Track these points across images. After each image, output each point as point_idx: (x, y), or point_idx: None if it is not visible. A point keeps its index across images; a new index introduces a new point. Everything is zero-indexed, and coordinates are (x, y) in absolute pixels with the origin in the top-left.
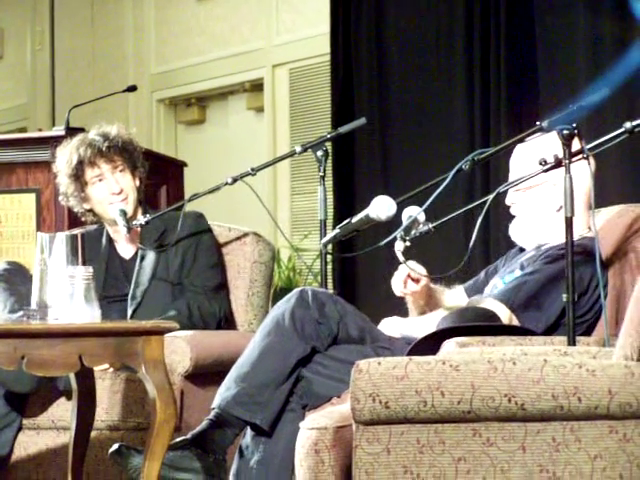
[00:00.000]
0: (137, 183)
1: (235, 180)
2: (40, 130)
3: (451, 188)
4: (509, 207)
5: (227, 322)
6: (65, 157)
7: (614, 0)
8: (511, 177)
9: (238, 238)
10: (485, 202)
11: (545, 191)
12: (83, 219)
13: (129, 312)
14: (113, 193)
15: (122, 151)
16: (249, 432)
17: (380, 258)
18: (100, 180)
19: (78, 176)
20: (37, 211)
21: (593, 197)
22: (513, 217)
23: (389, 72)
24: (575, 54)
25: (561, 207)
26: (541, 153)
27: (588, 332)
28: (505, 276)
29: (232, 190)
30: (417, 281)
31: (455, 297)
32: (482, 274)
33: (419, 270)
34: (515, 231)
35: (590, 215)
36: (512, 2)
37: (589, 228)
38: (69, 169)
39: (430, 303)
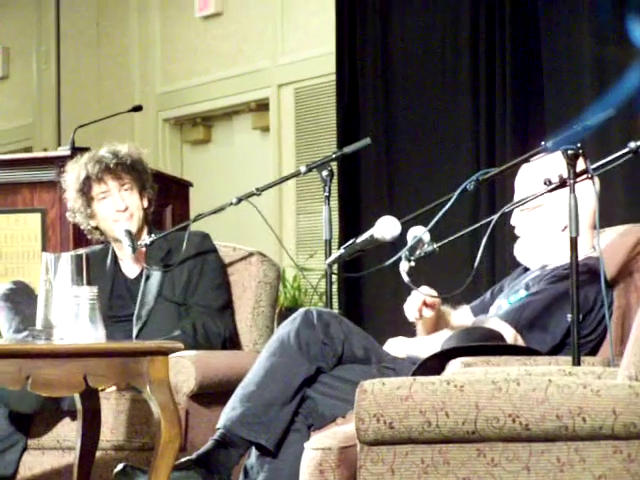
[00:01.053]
0: (145, 204)
1: (240, 200)
2: (45, 150)
3: (456, 208)
4: (514, 227)
5: (232, 342)
6: (74, 172)
7: (618, 21)
8: (516, 197)
9: (243, 258)
10: (490, 222)
11: (550, 211)
12: (89, 237)
13: (134, 332)
14: (118, 210)
15: (130, 170)
16: (254, 452)
17: (385, 278)
18: (106, 197)
19: (85, 192)
20: (42, 231)
21: (597, 217)
22: (518, 237)
23: (394, 92)
24: (581, 74)
25: (566, 227)
26: (546, 173)
27: (593, 352)
28: (510, 296)
29: (237, 210)
30: (432, 307)
31: (461, 317)
32: (488, 294)
33: (432, 294)
34: (520, 251)
35: (595, 235)
36: (517, 23)
37: (594, 248)
38: (77, 184)
39: (439, 324)
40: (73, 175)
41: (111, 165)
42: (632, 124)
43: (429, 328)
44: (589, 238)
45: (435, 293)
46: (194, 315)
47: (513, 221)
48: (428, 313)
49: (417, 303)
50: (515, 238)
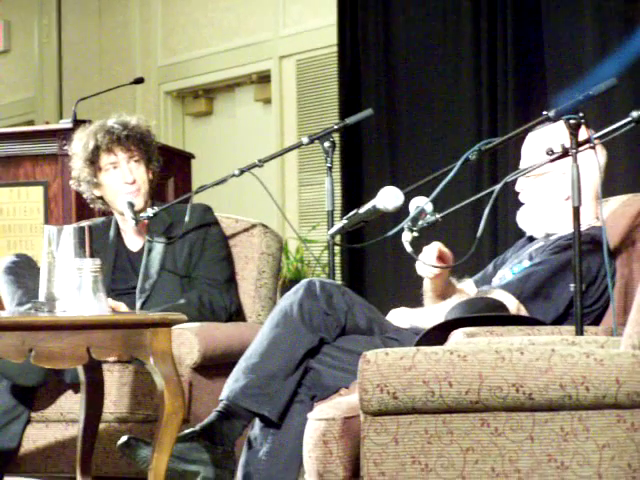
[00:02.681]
0: (150, 177)
1: (242, 172)
2: (47, 123)
3: (458, 178)
4: (518, 193)
5: (237, 315)
6: (82, 141)
7: None
8: (522, 164)
9: (245, 230)
10: (493, 192)
11: (554, 179)
12: (92, 206)
13: (138, 305)
14: (126, 182)
15: (139, 142)
16: (257, 423)
17: (388, 249)
18: (114, 167)
19: (93, 161)
20: (45, 204)
21: (600, 187)
22: (522, 204)
23: (396, 63)
24: (582, 42)
25: (569, 196)
26: (553, 141)
27: (597, 322)
28: (513, 267)
29: (239, 182)
30: (446, 259)
31: (465, 289)
32: (490, 266)
33: (444, 250)
34: (523, 218)
35: (599, 205)
36: None
37: (597, 218)
38: (85, 153)
39: (447, 292)
40: (81, 144)
41: (121, 136)
42: (636, 92)
43: (440, 289)
44: (592, 208)
45: (444, 247)
46: (202, 287)
47: (518, 187)
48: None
49: (434, 251)
50: (519, 205)
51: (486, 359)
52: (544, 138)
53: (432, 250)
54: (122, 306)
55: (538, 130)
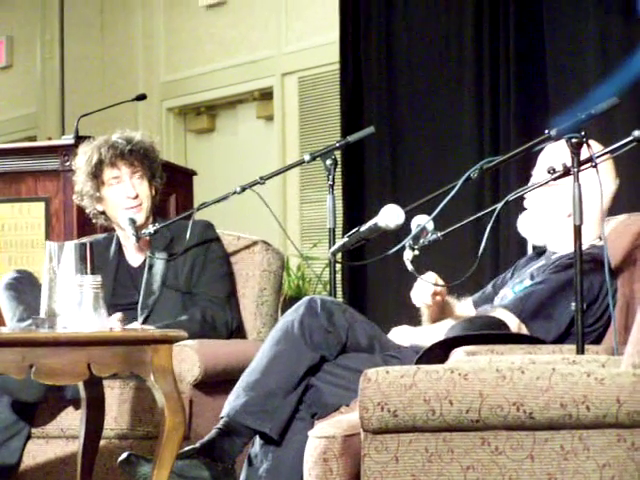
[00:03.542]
0: (153, 193)
1: (244, 189)
2: (49, 139)
3: (460, 196)
4: (520, 210)
5: (237, 331)
6: (86, 155)
7: (623, 6)
8: (535, 173)
9: (247, 247)
10: (494, 210)
11: (561, 193)
12: (94, 221)
13: (140, 321)
14: (128, 197)
15: (143, 157)
16: (258, 441)
17: (389, 267)
18: (117, 182)
19: (96, 175)
20: (46, 220)
21: (603, 205)
22: (524, 210)
23: (398, 81)
24: (585, 61)
25: (571, 214)
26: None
27: (598, 341)
28: (515, 286)
29: (241, 199)
30: (440, 295)
31: (465, 308)
32: (489, 286)
33: (439, 282)
34: (524, 224)
35: (601, 224)
36: (521, 10)
37: (599, 238)
38: (88, 167)
39: (444, 313)
40: (85, 158)
41: (125, 151)
42: (638, 111)
43: (435, 315)
44: (595, 227)
45: (439, 279)
46: (204, 304)
47: (533, 179)
48: (437, 298)
49: (429, 291)
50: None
51: (487, 378)
52: (561, 151)
53: (425, 289)
54: (117, 315)
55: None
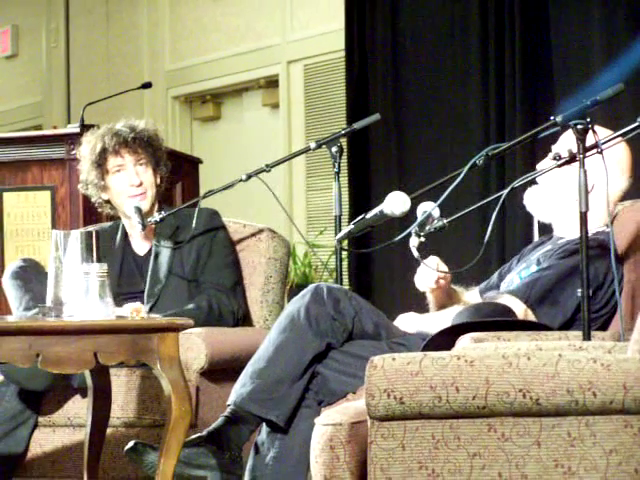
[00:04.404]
0: (158, 181)
1: (250, 177)
2: (55, 128)
3: (466, 183)
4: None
5: (243, 320)
6: (90, 144)
7: None
8: (554, 149)
9: (253, 234)
10: (500, 197)
11: (569, 178)
12: (100, 210)
13: (146, 309)
14: (132, 185)
15: (147, 145)
16: (265, 428)
17: (395, 254)
18: (120, 170)
19: (100, 164)
20: (52, 208)
21: (609, 192)
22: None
23: (404, 68)
24: (590, 48)
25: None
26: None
27: (604, 327)
28: (521, 271)
29: (247, 187)
30: (445, 278)
31: (472, 296)
32: (495, 275)
33: (441, 267)
34: (530, 197)
35: (608, 210)
36: None
37: (606, 225)
38: (92, 155)
39: (450, 301)
40: (89, 147)
41: (128, 139)
42: None
43: (440, 300)
44: (602, 213)
45: (442, 263)
46: (210, 292)
47: (539, 166)
48: (441, 282)
49: (432, 275)
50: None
51: (493, 364)
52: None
53: (430, 274)
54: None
55: None
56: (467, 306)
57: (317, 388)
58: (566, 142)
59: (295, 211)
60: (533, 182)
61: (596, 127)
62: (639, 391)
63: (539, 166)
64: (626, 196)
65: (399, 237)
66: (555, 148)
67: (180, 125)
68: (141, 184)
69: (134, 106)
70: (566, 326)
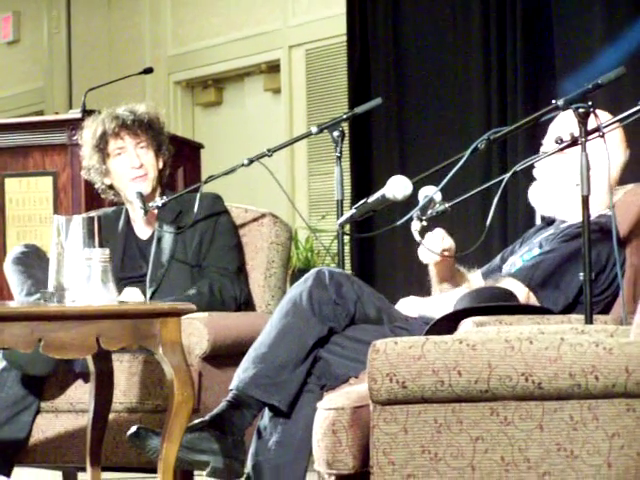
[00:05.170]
0: (160, 165)
1: (251, 161)
2: (57, 113)
3: (468, 167)
4: (528, 181)
5: (246, 304)
6: (91, 129)
7: None
8: (544, 142)
9: (255, 219)
10: (502, 181)
11: (570, 162)
12: (103, 196)
13: (148, 294)
14: (133, 167)
15: (147, 128)
16: (267, 413)
17: (397, 238)
18: (121, 153)
19: (101, 148)
20: (54, 194)
21: (611, 175)
22: (534, 181)
23: (405, 52)
24: (592, 31)
25: (579, 184)
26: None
27: (606, 310)
28: (524, 255)
29: (249, 171)
30: (449, 250)
31: (475, 279)
32: (497, 258)
33: (447, 239)
34: (535, 194)
35: (609, 194)
36: None
37: (608, 209)
38: (93, 140)
39: (453, 282)
40: (90, 131)
41: (128, 122)
42: None
43: (443, 275)
44: (604, 197)
45: (447, 235)
46: (213, 277)
47: (542, 149)
48: (448, 242)
49: (439, 239)
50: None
51: (495, 348)
52: (571, 120)
53: (436, 237)
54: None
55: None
56: (469, 290)
57: (319, 372)
58: (563, 123)
59: (297, 196)
60: (532, 179)
61: (597, 111)
62: None
63: (542, 149)
64: (628, 179)
65: (401, 221)
66: (552, 128)
67: (182, 110)
68: (142, 166)
69: (136, 91)
70: (568, 309)
